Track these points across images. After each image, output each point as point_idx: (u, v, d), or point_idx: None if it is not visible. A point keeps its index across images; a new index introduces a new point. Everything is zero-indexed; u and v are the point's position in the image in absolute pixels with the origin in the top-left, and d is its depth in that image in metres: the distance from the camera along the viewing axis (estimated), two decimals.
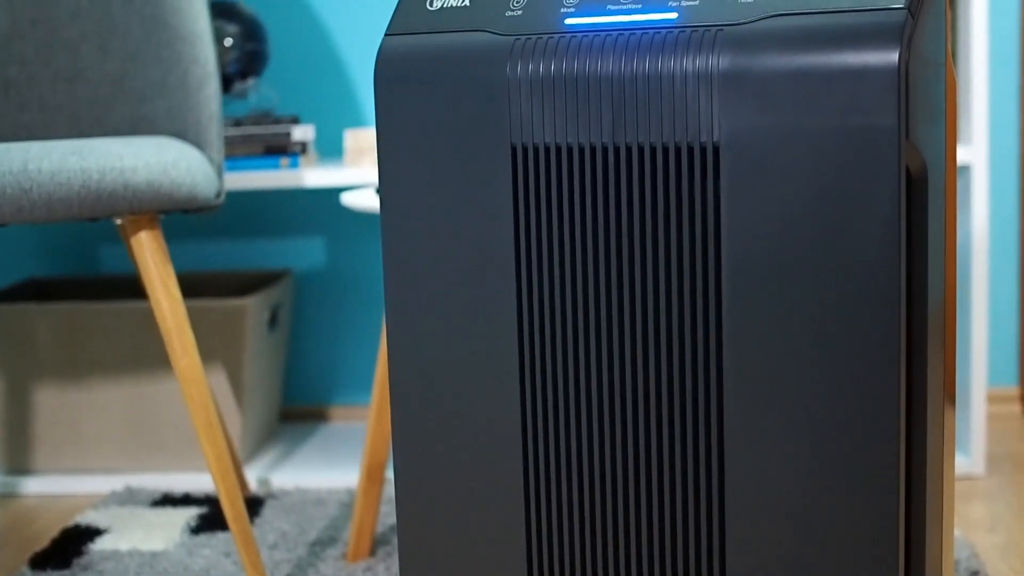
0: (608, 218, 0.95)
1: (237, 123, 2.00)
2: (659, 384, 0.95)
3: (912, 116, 0.86)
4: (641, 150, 0.93)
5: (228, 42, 2.02)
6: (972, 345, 1.87)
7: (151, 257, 1.44)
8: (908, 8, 0.85)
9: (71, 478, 1.99)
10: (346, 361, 2.30)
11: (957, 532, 1.62)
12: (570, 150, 0.96)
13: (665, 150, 0.92)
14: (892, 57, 0.84)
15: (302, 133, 2.00)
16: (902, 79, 0.84)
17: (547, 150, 0.97)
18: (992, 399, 2.21)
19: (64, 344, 1.97)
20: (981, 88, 1.84)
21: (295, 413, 2.31)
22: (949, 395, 0.99)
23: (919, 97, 0.87)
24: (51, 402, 1.99)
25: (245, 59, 2.03)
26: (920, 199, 0.89)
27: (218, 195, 1.58)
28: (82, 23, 1.71)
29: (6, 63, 1.73)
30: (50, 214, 1.36)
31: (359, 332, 2.29)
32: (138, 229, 1.44)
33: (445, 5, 1.04)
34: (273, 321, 2.08)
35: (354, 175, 1.91)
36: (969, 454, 1.90)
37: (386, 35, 1.05)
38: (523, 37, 0.98)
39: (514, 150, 0.98)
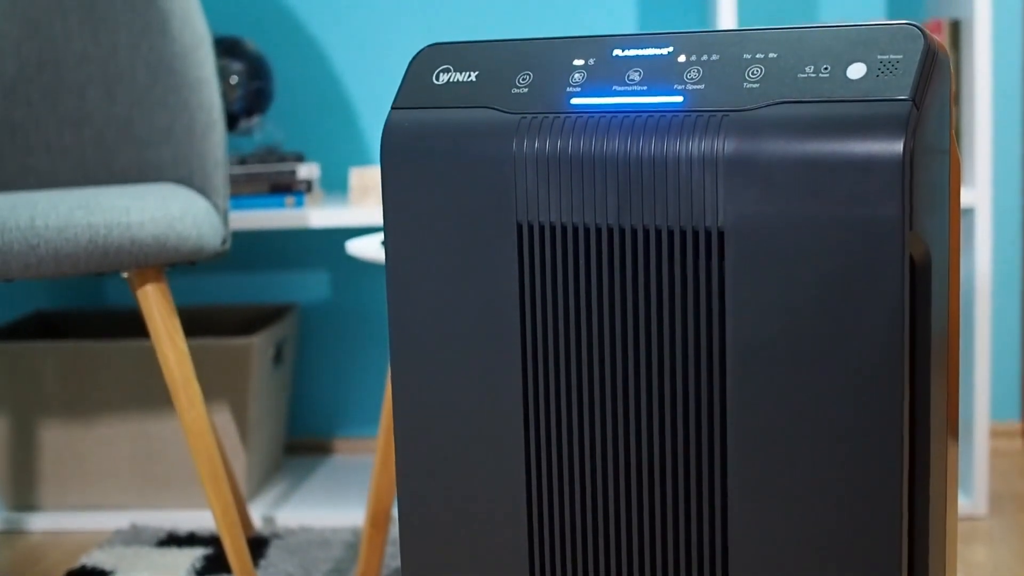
0: (613, 298, 0.96)
1: (242, 161, 2.00)
2: (663, 461, 0.95)
3: (916, 206, 0.86)
4: (646, 232, 0.94)
5: (233, 80, 2.02)
6: (975, 384, 1.87)
7: (157, 310, 1.44)
8: (913, 99, 0.86)
9: (77, 515, 2.00)
10: (351, 394, 2.31)
11: None
12: (576, 230, 0.96)
13: (670, 233, 0.93)
14: (897, 148, 0.85)
15: (307, 171, 2.01)
16: (906, 171, 0.84)
17: (553, 229, 0.97)
18: (994, 434, 2.21)
19: (70, 381, 1.98)
20: (984, 130, 1.84)
21: (300, 445, 2.32)
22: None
23: (923, 186, 0.87)
24: (57, 439, 2.00)
25: (250, 97, 2.04)
26: (924, 286, 0.89)
27: (224, 242, 1.59)
28: (88, 68, 1.72)
29: (12, 106, 1.73)
30: (57, 269, 1.37)
31: (364, 365, 2.30)
32: (144, 282, 1.44)
33: (451, 80, 1.04)
34: (278, 357, 2.09)
35: (359, 215, 1.92)
36: (972, 495, 1.90)
37: (393, 108, 1.05)
38: (529, 116, 0.99)
39: (520, 228, 0.98)
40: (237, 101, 2.03)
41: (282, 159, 2.02)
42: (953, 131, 0.95)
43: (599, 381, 0.97)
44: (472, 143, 1.00)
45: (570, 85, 0.99)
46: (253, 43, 2.08)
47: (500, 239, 0.99)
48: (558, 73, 1.00)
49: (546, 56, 1.01)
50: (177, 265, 1.47)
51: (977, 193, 1.85)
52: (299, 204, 1.98)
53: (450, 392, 1.03)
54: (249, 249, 2.28)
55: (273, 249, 2.28)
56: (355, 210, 1.93)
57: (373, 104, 2.22)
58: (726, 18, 1.87)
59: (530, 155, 0.98)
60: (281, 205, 1.98)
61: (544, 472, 1.00)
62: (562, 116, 0.97)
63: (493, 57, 1.03)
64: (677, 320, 0.93)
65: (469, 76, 1.03)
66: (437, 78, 1.05)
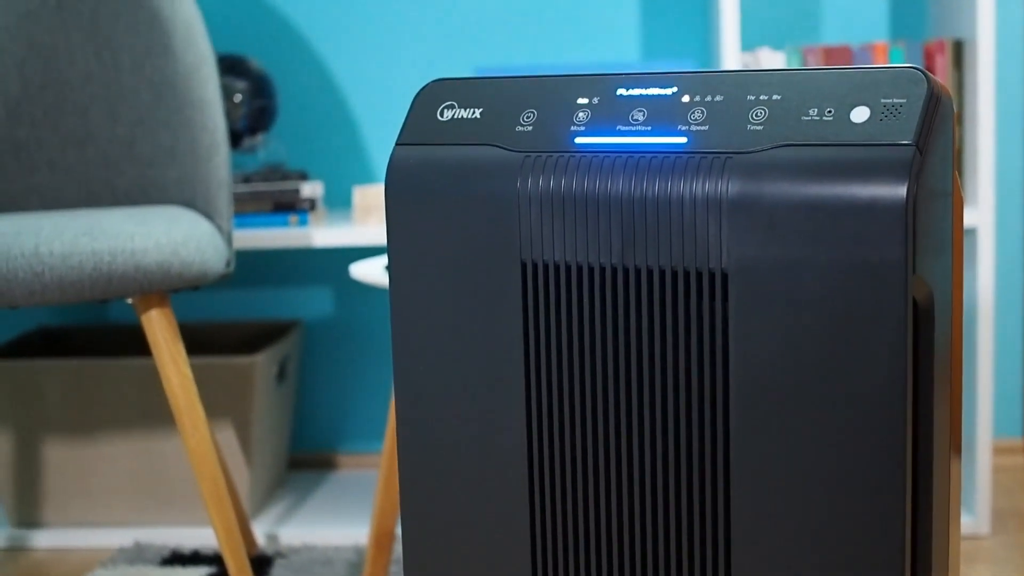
0: (617, 337, 0.96)
1: (246, 179, 2.01)
2: (666, 498, 0.96)
3: (920, 249, 0.87)
4: (650, 272, 0.94)
5: (237, 98, 2.02)
6: (977, 405, 1.88)
7: (161, 335, 1.45)
8: (916, 144, 0.86)
9: (80, 531, 2.01)
10: (354, 409, 2.31)
11: None
12: (580, 269, 0.97)
13: (674, 274, 0.93)
14: (900, 193, 0.85)
15: (311, 190, 2.01)
16: (909, 215, 0.85)
17: (557, 267, 0.98)
18: (996, 450, 2.21)
19: (73, 398, 1.98)
20: (987, 150, 1.84)
21: (303, 460, 2.32)
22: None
23: (927, 230, 0.88)
24: (61, 456, 2.00)
25: (254, 115, 2.04)
26: (927, 329, 0.90)
27: (228, 264, 1.59)
28: (92, 87, 1.72)
29: (16, 126, 1.74)
30: (62, 297, 1.37)
31: (367, 380, 2.30)
32: (149, 307, 1.45)
33: (456, 116, 1.04)
34: (282, 374, 2.09)
35: (362, 235, 1.92)
36: (974, 513, 1.90)
37: (397, 144, 1.06)
38: (533, 154, 0.99)
39: (524, 266, 0.99)
40: (241, 119, 2.03)
41: (286, 177, 2.02)
42: (956, 171, 0.95)
43: (603, 419, 0.97)
44: (476, 181, 1.00)
45: (574, 124, 0.99)
46: (257, 61, 2.08)
47: (504, 277, 0.99)
48: (562, 111, 1.00)
49: (550, 94, 1.01)
50: (182, 291, 1.47)
51: (980, 213, 1.85)
52: (303, 223, 1.98)
53: (454, 428, 1.03)
54: (252, 265, 2.29)
55: (276, 265, 2.28)
56: (358, 229, 1.93)
57: (377, 122, 2.23)
58: (729, 38, 1.87)
59: (534, 194, 0.98)
60: (285, 223, 1.98)
61: (548, 506, 1.00)
62: (566, 155, 0.98)
63: (497, 94, 1.03)
64: (680, 360, 0.94)
65: (473, 113, 1.04)
66: (441, 114, 1.05)
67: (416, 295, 1.04)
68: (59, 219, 1.43)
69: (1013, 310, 2.19)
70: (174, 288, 1.44)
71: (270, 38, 2.21)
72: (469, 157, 1.02)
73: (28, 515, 2.03)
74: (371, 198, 1.97)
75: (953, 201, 0.94)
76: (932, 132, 0.88)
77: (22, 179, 1.74)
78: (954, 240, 0.95)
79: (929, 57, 1.92)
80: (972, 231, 1.87)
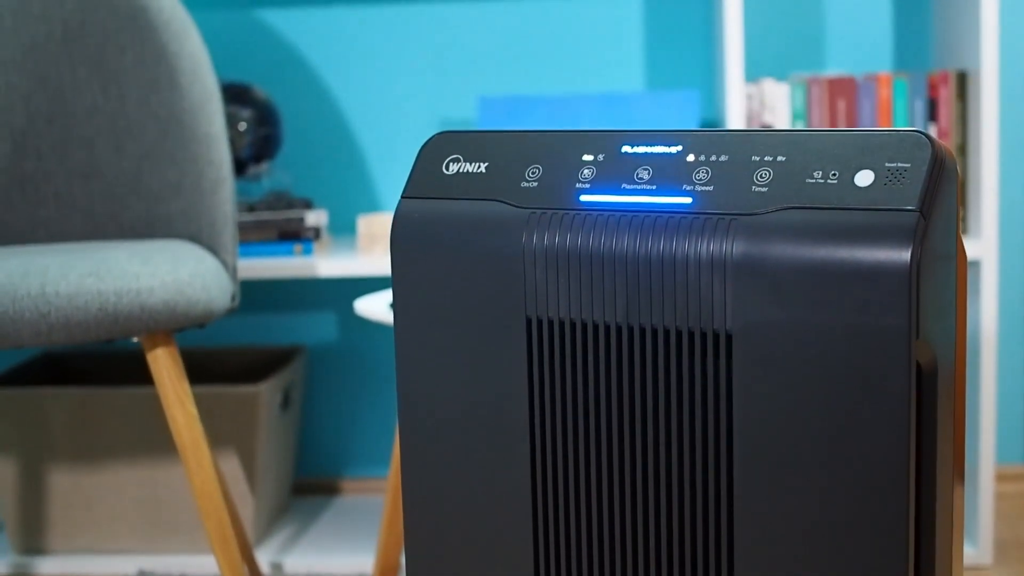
0: (622, 395, 0.96)
1: (251, 208, 2.01)
2: (670, 556, 0.96)
3: (923, 314, 0.87)
4: (654, 332, 0.94)
5: (242, 126, 2.03)
6: (980, 435, 1.88)
7: (167, 373, 1.45)
8: (920, 210, 0.86)
9: (84, 558, 2.01)
10: (358, 434, 2.32)
11: None
12: (584, 326, 0.97)
13: (678, 334, 0.94)
14: (904, 259, 0.85)
15: (315, 218, 2.01)
16: (913, 281, 0.85)
17: (562, 324, 0.98)
18: (998, 477, 2.21)
19: (78, 426, 1.99)
20: (991, 181, 1.84)
21: (307, 486, 2.33)
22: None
23: (931, 294, 0.88)
24: (65, 483, 2.01)
25: (259, 143, 2.05)
26: (930, 391, 0.90)
27: (233, 298, 1.60)
28: (98, 121, 1.73)
29: (22, 159, 1.74)
30: (68, 337, 1.37)
31: (371, 405, 2.30)
32: (154, 346, 1.45)
33: (461, 171, 1.05)
34: (286, 402, 2.10)
35: (367, 265, 1.92)
36: (977, 544, 1.90)
37: (403, 197, 1.06)
38: (539, 211, 0.99)
39: (529, 322, 0.99)
40: (246, 147, 2.04)
41: (290, 206, 2.02)
42: (959, 232, 0.95)
43: (606, 476, 0.98)
44: (482, 236, 1.01)
45: (579, 181, 0.99)
46: (262, 90, 2.09)
47: (509, 332, 1.00)
48: (567, 168, 1.00)
49: (555, 150, 1.02)
50: (187, 329, 1.48)
51: (983, 245, 1.86)
52: (307, 252, 1.99)
53: (459, 481, 1.04)
54: (257, 292, 2.29)
55: (280, 292, 2.29)
56: (363, 259, 1.93)
57: (381, 150, 2.23)
58: (733, 68, 1.88)
59: (539, 250, 0.98)
60: (289, 253, 1.99)
61: (552, 558, 1.01)
62: (571, 213, 0.98)
63: (503, 148, 1.04)
64: (684, 419, 0.94)
65: (479, 167, 1.04)
66: (447, 167, 1.06)
67: (421, 347, 1.04)
68: (65, 257, 1.43)
69: (1016, 338, 2.20)
70: (180, 327, 1.45)
71: (275, 66, 2.22)
72: (475, 212, 1.02)
73: (32, 542, 2.03)
74: (376, 227, 1.97)
75: (957, 262, 0.95)
76: (936, 197, 0.88)
77: (28, 212, 1.75)
78: (957, 300, 0.96)
79: (933, 88, 1.93)
80: (976, 262, 1.88)
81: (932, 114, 1.93)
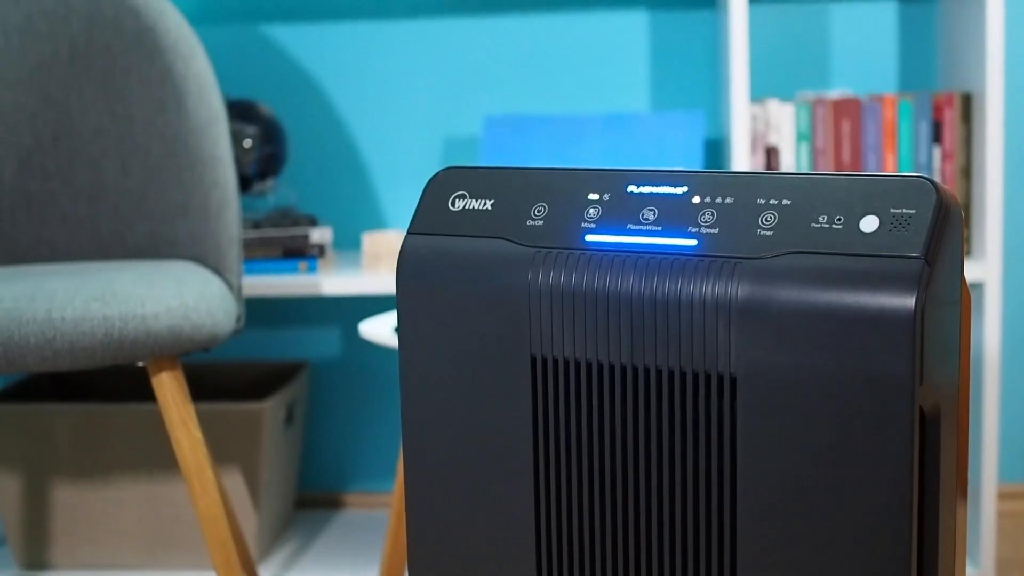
0: (626, 435, 0.97)
1: (256, 225, 2.02)
2: None
3: (927, 360, 0.87)
4: (659, 373, 0.95)
5: (247, 143, 2.03)
6: (983, 451, 1.88)
7: (171, 397, 1.45)
8: (925, 257, 0.87)
9: (88, 574, 2.01)
10: (362, 448, 2.32)
11: None
12: (589, 365, 0.97)
13: (683, 375, 0.94)
14: (908, 307, 0.85)
15: (320, 235, 2.02)
16: (917, 329, 0.85)
17: (567, 363, 0.98)
18: (1001, 495, 2.22)
19: (82, 442, 1.99)
20: (995, 203, 1.85)
21: (310, 500, 2.33)
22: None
23: (935, 340, 0.88)
24: (69, 499, 2.01)
25: (264, 160, 2.05)
26: (933, 435, 0.90)
27: (238, 320, 1.60)
28: (104, 141, 1.73)
29: (29, 178, 1.75)
30: (73, 363, 1.38)
31: (374, 419, 2.31)
32: (159, 370, 1.46)
33: (467, 207, 1.05)
34: (290, 418, 2.10)
35: (372, 283, 1.93)
36: (979, 563, 1.91)
37: (409, 232, 1.07)
38: (544, 250, 0.99)
39: (534, 360, 0.99)
40: (251, 164, 2.04)
41: (295, 223, 2.03)
42: (963, 277, 0.96)
43: (610, 515, 0.98)
44: (487, 274, 1.01)
45: (585, 220, 0.99)
46: (267, 107, 2.09)
47: (514, 370, 1.00)
48: (573, 207, 1.00)
49: (561, 188, 1.02)
50: (192, 353, 1.48)
51: (987, 267, 1.86)
52: (312, 269, 1.99)
53: (463, 519, 1.04)
54: (261, 306, 2.30)
55: (284, 307, 2.29)
56: (367, 277, 1.94)
57: (386, 167, 2.23)
58: (739, 89, 1.88)
59: (544, 289, 0.99)
60: (294, 270, 1.99)
61: None
62: (576, 252, 0.98)
63: (508, 186, 1.04)
64: (688, 460, 0.94)
65: (484, 204, 1.04)
66: (453, 204, 1.06)
67: (426, 383, 1.05)
68: (71, 280, 1.43)
69: (1018, 358, 2.20)
70: (184, 351, 1.45)
71: (280, 83, 2.22)
72: (480, 250, 1.02)
73: (35, 557, 2.04)
74: (380, 245, 1.97)
75: (961, 307, 0.95)
76: (941, 244, 0.88)
77: (34, 231, 1.75)
78: (961, 341, 0.96)
79: (937, 109, 1.93)
80: (979, 284, 1.88)
81: (936, 135, 1.93)
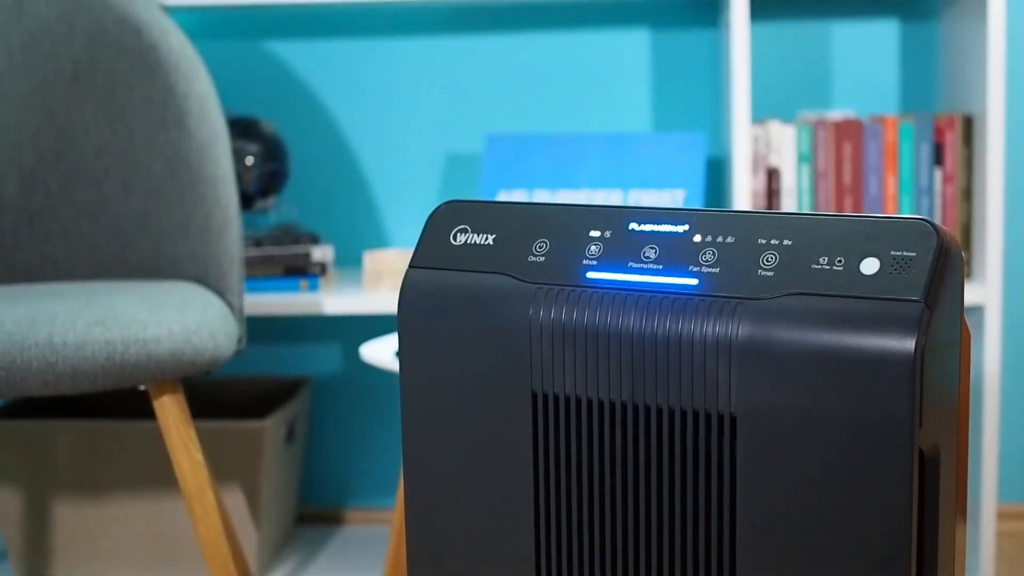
0: (626, 472, 0.97)
1: (257, 243, 2.02)
2: None
3: (927, 402, 0.87)
4: (659, 411, 0.95)
5: (249, 161, 2.04)
6: (983, 471, 1.88)
7: (172, 421, 1.46)
8: (925, 301, 0.87)
9: None
10: (362, 464, 2.32)
11: None
12: (590, 403, 0.98)
13: (683, 414, 0.94)
14: (908, 350, 0.86)
15: (322, 253, 2.02)
16: (917, 373, 0.86)
17: (567, 400, 0.99)
18: (1000, 515, 2.22)
19: (83, 459, 1.99)
20: (996, 226, 1.85)
21: (310, 515, 2.34)
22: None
23: (935, 382, 0.89)
24: (69, 514, 2.01)
25: (266, 178, 2.05)
26: (933, 477, 0.90)
27: (239, 341, 1.60)
28: (106, 159, 1.74)
29: (31, 196, 1.75)
30: (74, 386, 1.38)
31: (375, 435, 2.31)
32: (161, 394, 1.46)
33: (469, 242, 1.05)
34: (290, 435, 2.10)
35: (373, 301, 1.93)
36: None
37: (411, 266, 1.07)
38: (545, 286, 1.00)
39: (535, 396, 1.00)
40: (253, 182, 2.04)
41: (297, 240, 2.03)
42: (963, 318, 0.96)
43: (610, 552, 0.98)
44: (489, 310, 1.01)
45: (586, 257, 1.00)
46: (269, 124, 2.09)
47: (515, 406, 1.00)
48: (575, 243, 1.01)
49: (563, 224, 1.02)
50: (193, 375, 1.48)
51: (987, 290, 1.86)
52: (313, 287, 1.99)
53: (464, 553, 1.04)
54: (262, 323, 2.30)
55: (286, 324, 2.29)
56: (368, 295, 1.94)
57: (388, 185, 2.24)
58: (740, 110, 1.88)
59: (546, 326, 0.99)
60: (295, 288, 2.00)
61: None
62: (578, 290, 0.99)
63: (510, 221, 1.05)
64: (688, 499, 0.95)
65: (486, 239, 1.05)
66: (454, 238, 1.06)
67: (427, 416, 1.05)
68: (72, 303, 1.44)
69: (1018, 379, 2.20)
70: (186, 375, 1.45)
71: (282, 101, 2.23)
72: (482, 285, 1.03)
73: (37, 573, 2.04)
74: (382, 263, 1.98)
75: (961, 348, 0.95)
76: (941, 286, 0.89)
77: (36, 249, 1.75)
78: (961, 379, 0.96)
79: (939, 132, 1.93)
80: (980, 307, 1.88)
81: (938, 157, 1.93)
